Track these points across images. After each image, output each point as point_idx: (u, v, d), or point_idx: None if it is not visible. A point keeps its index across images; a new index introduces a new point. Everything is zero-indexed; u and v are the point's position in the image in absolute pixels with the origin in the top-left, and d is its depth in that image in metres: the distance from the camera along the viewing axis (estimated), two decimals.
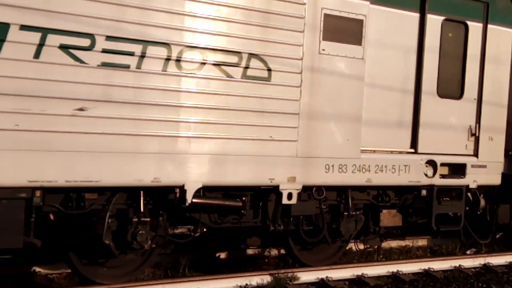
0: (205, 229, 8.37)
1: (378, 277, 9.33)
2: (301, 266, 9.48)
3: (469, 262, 10.51)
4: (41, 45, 6.67)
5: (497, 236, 12.28)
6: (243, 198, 8.32)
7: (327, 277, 8.89)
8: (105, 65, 7.05)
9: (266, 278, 8.51)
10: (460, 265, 10.32)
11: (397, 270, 9.61)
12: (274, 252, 10.74)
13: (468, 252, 11.72)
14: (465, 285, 9.43)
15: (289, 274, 8.66)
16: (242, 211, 8.35)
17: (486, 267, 10.53)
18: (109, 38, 7.05)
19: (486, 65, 10.36)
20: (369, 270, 9.40)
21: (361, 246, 10.29)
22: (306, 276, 8.85)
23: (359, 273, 9.25)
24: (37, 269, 8.86)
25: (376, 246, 10.50)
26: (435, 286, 9.24)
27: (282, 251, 10.37)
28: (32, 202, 6.80)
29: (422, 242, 12.31)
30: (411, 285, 9.23)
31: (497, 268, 10.45)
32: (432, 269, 9.98)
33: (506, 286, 9.55)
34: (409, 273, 9.66)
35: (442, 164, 9.96)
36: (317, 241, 9.26)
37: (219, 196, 8.20)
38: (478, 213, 10.85)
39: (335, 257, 9.95)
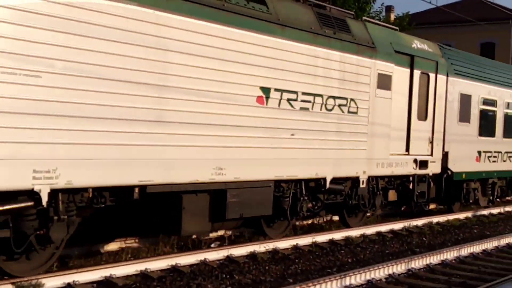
0: (320, 204, 13.76)
1: (127, 277, 9.32)
2: (348, 227, 15.03)
3: (214, 255, 10.82)
4: (280, 99, 11.79)
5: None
6: (344, 184, 13.89)
7: (73, 281, 8.69)
8: (301, 108, 12.30)
9: None
10: (205, 258, 10.58)
11: (145, 268, 9.64)
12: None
13: (212, 245, 12.26)
14: (210, 277, 9.85)
15: (33, 281, 8.40)
16: (343, 192, 13.93)
17: (229, 258, 10.94)
18: (303, 93, 12.30)
19: (436, 99, 16.86)
20: (117, 271, 9.29)
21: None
22: (52, 282, 8.57)
23: (107, 274, 9.12)
24: None
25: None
26: (182, 281, 9.55)
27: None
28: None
29: None
30: (159, 281, 9.44)
31: (239, 259, 11.00)
32: (179, 264, 10.10)
33: (247, 275, 10.19)
34: (157, 270, 9.77)
35: (420, 161, 16.27)
36: (365, 210, 15.05)
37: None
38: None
39: (364, 220, 15.73)
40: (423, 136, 16.50)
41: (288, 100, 11.98)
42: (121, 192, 9.41)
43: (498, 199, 21.69)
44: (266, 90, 11.45)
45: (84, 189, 8.87)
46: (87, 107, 8.57)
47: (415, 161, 16.08)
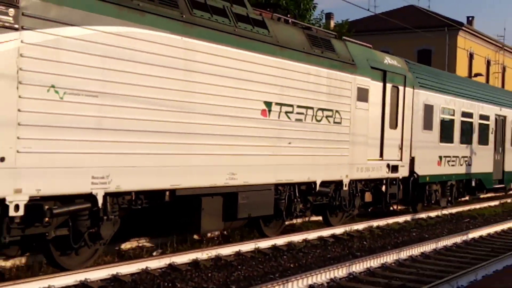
0: (309, 205, 15.31)
1: None
2: (330, 226, 16.65)
3: (156, 263, 10.72)
4: (280, 112, 13.33)
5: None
6: (330, 187, 15.49)
7: None
8: (296, 120, 13.86)
9: None
10: (147, 267, 10.45)
11: (85, 278, 9.49)
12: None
13: (154, 253, 12.17)
14: (152, 286, 9.74)
15: None
16: (329, 194, 15.53)
17: (171, 266, 10.84)
18: (298, 106, 13.86)
19: (404, 109, 18.66)
20: (57, 281, 9.16)
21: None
22: None
23: (46, 285, 9.00)
24: None
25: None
26: None
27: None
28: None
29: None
30: None
31: (181, 267, 10.89)
32: (120, 274, 9.94)
33: (190, 283, 10.06)
34: (97, 280, 9.61)
35: (391, 166, 18.02)
36: (347, 210, 16.68)
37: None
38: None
39: (344, 219, 17.33)
40: (394, 143, 18.25)
41: (286, 112, 13.51)
42: (155, 195, 10.78)
43: (455, 200, 23.66)
44: (268, 104, 12.96)
45: (128, 193, 10.21)
46: (131, 121, 9.94)
47: (388, 165, 17.81)
